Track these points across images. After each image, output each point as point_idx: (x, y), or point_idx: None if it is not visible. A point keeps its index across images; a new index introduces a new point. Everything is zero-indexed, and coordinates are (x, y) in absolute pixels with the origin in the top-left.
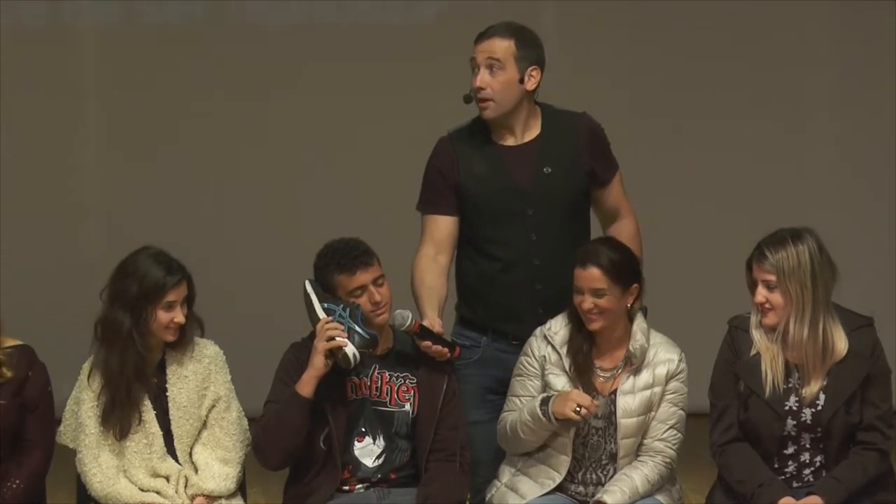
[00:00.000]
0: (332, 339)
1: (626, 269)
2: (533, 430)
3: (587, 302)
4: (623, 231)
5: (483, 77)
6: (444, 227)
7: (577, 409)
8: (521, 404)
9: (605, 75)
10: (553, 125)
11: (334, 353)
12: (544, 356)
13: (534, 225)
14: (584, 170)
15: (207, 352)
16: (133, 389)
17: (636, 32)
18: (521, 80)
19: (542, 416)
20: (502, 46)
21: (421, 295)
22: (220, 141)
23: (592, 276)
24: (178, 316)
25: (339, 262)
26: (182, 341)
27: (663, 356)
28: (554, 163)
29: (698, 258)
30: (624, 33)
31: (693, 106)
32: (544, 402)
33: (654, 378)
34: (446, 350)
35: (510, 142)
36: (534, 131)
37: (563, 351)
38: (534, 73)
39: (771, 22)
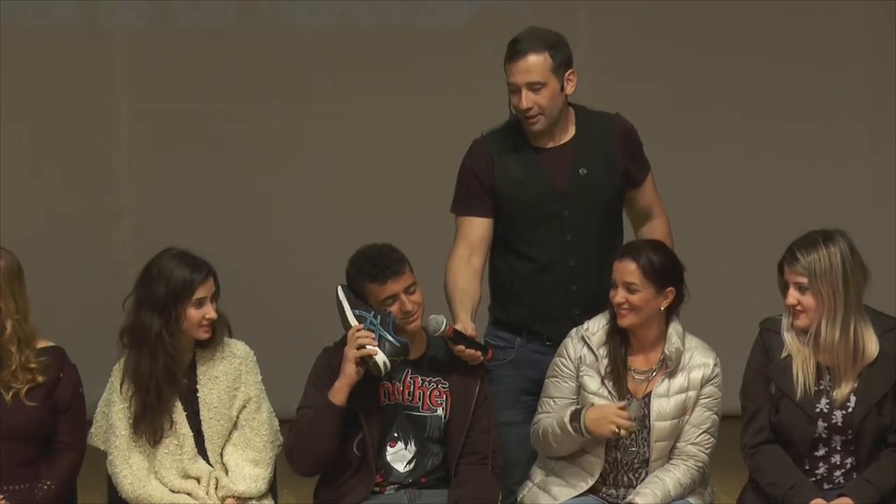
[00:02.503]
0: (363, 346)
1: (663, 271)
2: (562, 442)
3: (619, 295)
4: (655, 231)
5: (527, 98)
6: (478, 228)
7: (617, 430)
8: (555, 406)
9: (638, 76)
10: (587, 127)
11: (365, 361)
12: (580, 357)
13: (570, 226)
14: (619, 170)
15: (238, 352)
16: (164, 393)
17: (669, 33)
18: (562, 88)
19: (573, 431)
20: (538, 64)
21: (454, 298)
22: (252, 142)
23: (627, 269)
24: (210, 312)
25: (370, 271)
26: (212, 341)
27: (699, 360)
28: (589, 164)
29: (730, 260)
30: (657, 34)
31: (725, 106)
32: (574, 416)
33: (689, 382)
34: (479, 353)
35: (546, 144)
36: (569, 133)
37: (601, 353)
38: (571, 77)
39: (804, 21)
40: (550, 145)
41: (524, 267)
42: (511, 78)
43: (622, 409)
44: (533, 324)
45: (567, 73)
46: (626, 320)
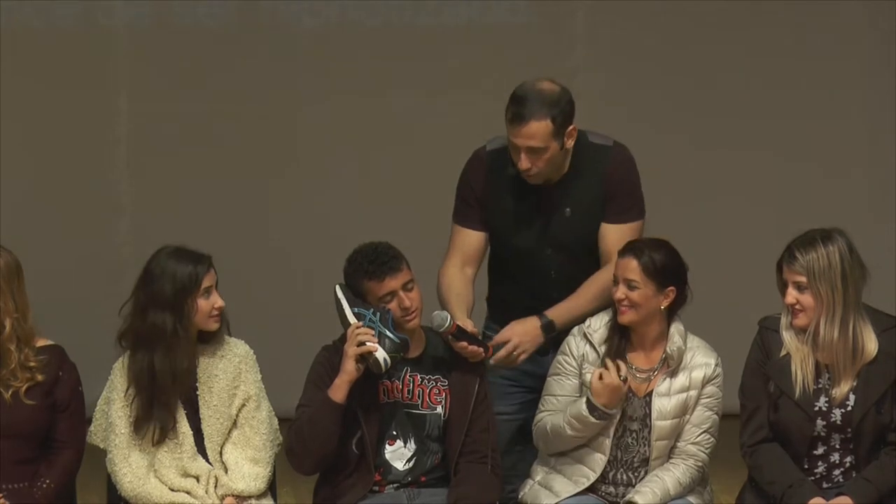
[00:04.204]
0: (363, 343)
1: (664, 270)
2: (581, 434)
3: (619, 291)
4: (599, 277)
5: (525, 161)
6: (474, 240)
7: (623, 378)
8: (558, 404)
9: (637, 76)
10: (582, 164)
11: (365, 359)
12: (583, 354)
13: (554, 264)
14: (604, 206)
15: (238, 351)
16: (176, 390)
17: (668, 32)
18: (562, 147)
19: (597, 419)
20: (540, 131)
21: (449, 300)
22: (251, 141)
23: (628, 266)
24: (218, 300)
25: (367, 268)
26: (215, 336)
27: (700, 360)
28: (577, 203)
29: (729, 259)
30: (656, 33)
31: (724, 105)
32: (591, 407)
33: (691, 381)
34: (481, 350)
35: (540, 182)
36: (563, 171)
37: (602, 350)
38: (572, 133)
39: (804, 20)
40: (544, 183)
41: (513, 286)
42: (512, 138)
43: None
44: None
45: (568, 130)
46: (626, 317)
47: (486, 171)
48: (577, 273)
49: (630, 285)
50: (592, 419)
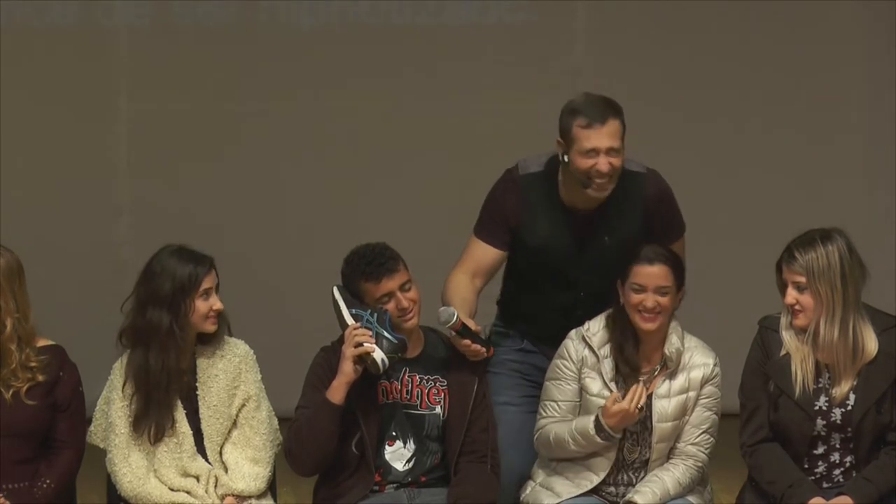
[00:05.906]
0: (361, 344)
1: (682, 271)
2: (585, 448)
3: (650, 300)
4: None
5: (605, 162)
6: (490, 257)
7: (639, 408)
8: (559, 409)
9: (637, 76)
10: (621, 192)
11: (363, 359)
12: (582, 359)
13: (585, 285)
14: (643, 233)
15: (238, 351)
16: (171, 388)
17: (668, 33)
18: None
19: (603, 441)
20: (618, 130)
21: (454, 301)
22: (251, 142)
23: (661, 273)
24: (217, 303)
25: (364, 270)
26: (214, 337)
27: (699, 360)
28: (615, 233)
29: (729, 259)
30: (656, 34)
31: (724, 105)
32: (599, 428)
33: (690, 382)
34: (483, 349)
35: (579, 206)
36: (602, 198)
37: (601, 353)
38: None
39: (804, 20)
40: (581, 207)
41: (535, 300)
42: (591, 143)
43: (619, 399)
44: (535, 342)
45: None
46: (654, 324)
47: (519, 195)
48: (604, 293)
49: (662, 291)
50: (598, 439)
